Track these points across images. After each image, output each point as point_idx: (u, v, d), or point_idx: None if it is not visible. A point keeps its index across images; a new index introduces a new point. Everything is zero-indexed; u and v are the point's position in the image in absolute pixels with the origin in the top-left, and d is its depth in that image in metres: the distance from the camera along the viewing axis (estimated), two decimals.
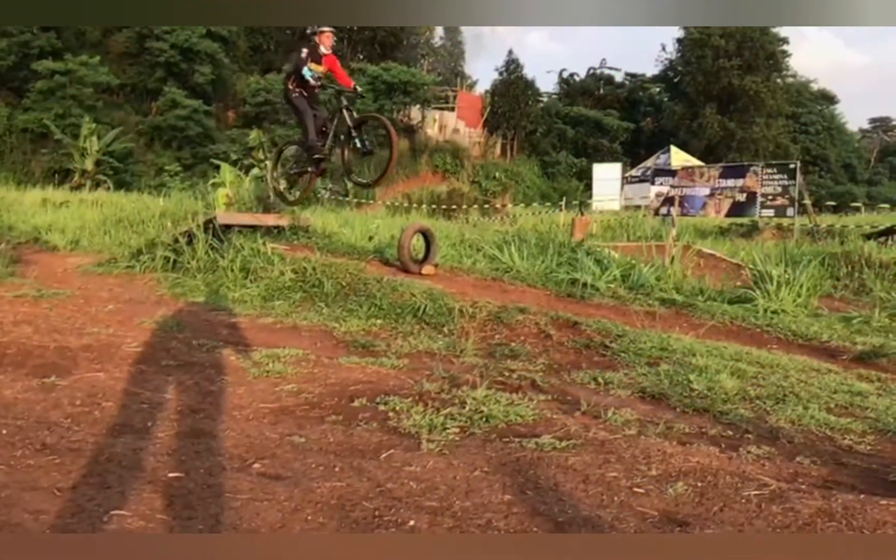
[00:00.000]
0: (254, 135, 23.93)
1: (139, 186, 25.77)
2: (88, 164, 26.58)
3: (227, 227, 8.37)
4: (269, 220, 8.89)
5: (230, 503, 2.44)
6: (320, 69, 8.21)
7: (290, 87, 8.30)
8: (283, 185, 8.97)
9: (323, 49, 8.18)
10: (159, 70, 33.71)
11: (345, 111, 8.22)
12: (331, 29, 8.36)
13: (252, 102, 35.30)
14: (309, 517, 2.37)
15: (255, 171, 12.70)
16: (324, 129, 8.38)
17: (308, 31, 8.54)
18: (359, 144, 8.20)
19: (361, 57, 39.50)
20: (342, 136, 8.33)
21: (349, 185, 31.55)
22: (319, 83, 8.35)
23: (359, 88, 8.51)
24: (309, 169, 8.52)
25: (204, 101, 33.55)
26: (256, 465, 2.85)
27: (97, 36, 34.46)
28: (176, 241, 8.52)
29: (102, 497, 2.42)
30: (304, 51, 8.12)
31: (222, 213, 8.90)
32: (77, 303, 6.29)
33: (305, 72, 8.05)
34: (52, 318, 5.47)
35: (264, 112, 34.70)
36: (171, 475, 2.67)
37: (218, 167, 13.66)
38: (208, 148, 30.99)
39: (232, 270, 7.60)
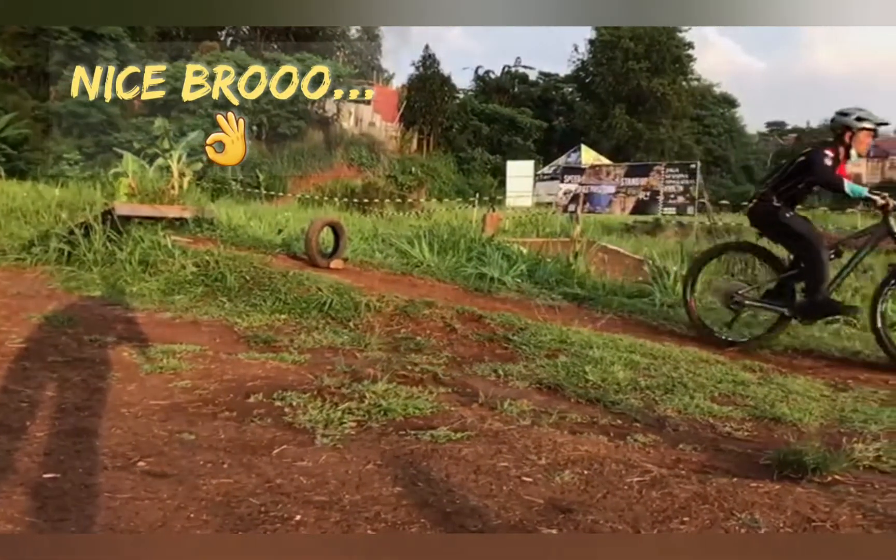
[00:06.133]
0: (158, 123, 23.01)
1: (35, 175, 24.48)
2: None
3: (127, 219, 8.05)
4: (171, 211, 8.62)
5: (108, 503, 2.36)
6: None
7: (778, 202, 5.69)
8: (708, 314, 6.36)
9: (855, 155, 5.61)
10: (58, 53, 32.08)
11: None
12: (874, 124, 5.55)
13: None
14: (192, 515, 2.32)
15: (159, 160, 12.22)
16: (831, 257, 5.66)
17: (836, 120, 5.64)
18: None
19: (275, 47, 38.70)
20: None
21: (261, 176, 30.98)
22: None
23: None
24: (785, 312, 5.84)
25: None
26: (141, 464, 2.77)
27: None
28: (72, 232, 8.13)
29: None
30: (829, 154, 5.51)
31: (121, 204, 8.57)
32: None
33: (854, 189, 5.42)
34: None
35: (171, 100, 33.48)
36: (46, 476, 2.56)
37: (121, 156, 13.14)
38: (111, 136, 29.75)
39: (130, 263, 7.32)
